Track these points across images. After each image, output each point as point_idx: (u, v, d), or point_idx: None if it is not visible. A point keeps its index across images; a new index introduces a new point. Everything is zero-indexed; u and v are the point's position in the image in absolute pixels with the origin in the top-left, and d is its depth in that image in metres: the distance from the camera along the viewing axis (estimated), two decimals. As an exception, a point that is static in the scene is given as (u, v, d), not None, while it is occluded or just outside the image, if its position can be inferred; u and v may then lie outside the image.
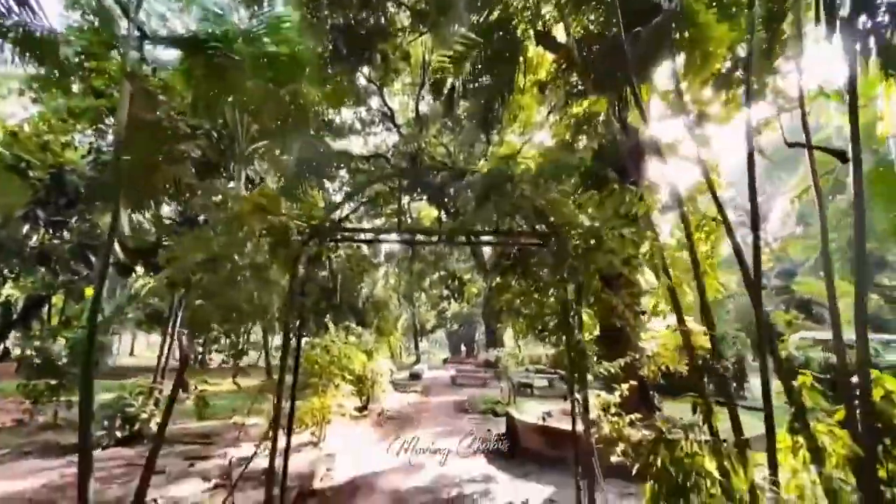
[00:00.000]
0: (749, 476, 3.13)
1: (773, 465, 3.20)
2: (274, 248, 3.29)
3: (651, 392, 6.78)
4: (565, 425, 6.02)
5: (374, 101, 19.79)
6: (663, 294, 3.29)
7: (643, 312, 3.31)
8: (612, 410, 3.52)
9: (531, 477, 5.72)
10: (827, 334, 11.98)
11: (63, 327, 14.65)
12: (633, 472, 3.17)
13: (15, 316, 19.03)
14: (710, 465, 3.25)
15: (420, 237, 5.05)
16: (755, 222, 3.36)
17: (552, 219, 3.20)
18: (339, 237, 3.46)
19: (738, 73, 7.98)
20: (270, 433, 3.28)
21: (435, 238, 4.27)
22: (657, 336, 5.97)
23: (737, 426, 3.27)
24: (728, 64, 7.68)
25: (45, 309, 20.13)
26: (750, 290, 3.38)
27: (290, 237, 3.14)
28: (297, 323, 3.38)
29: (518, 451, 6.85)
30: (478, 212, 3.39)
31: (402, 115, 20.78)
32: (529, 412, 7.85)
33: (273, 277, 3.20)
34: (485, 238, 4.08)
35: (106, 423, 6.59)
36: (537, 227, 3.41)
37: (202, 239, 2.67)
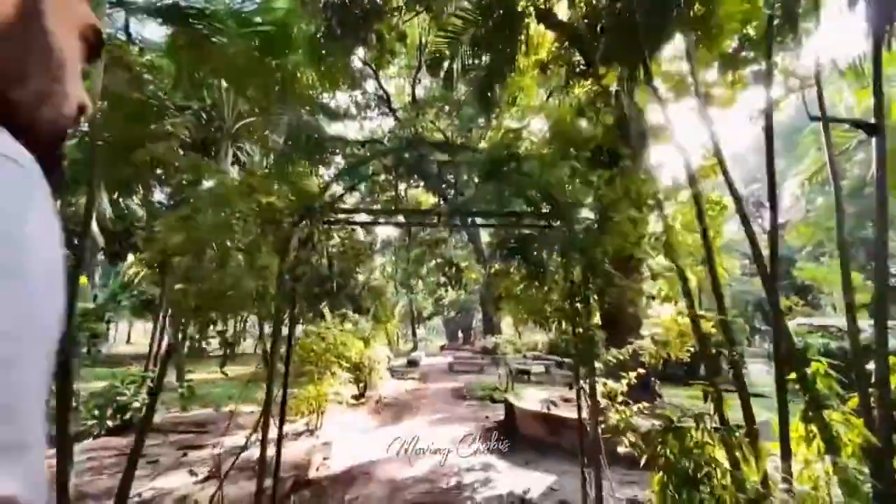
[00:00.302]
0: (762, 467, 3.01)
1: (787, 455, 3.08)
2: (263, 229, 3.09)
3: (652, 379, 6.69)
4: (565, 413, 5.93)
5: (370, 85, 19.43)
6: (672, 278, 3.12)
7: (652, 297, 3.16)
8: (620, 399, 3.39)
9: (531, 465, 5.64)
10: (825, 320, 11.92)
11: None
12: (642, 462, 3.04)
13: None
14: (721, 455, 3.14)
15: (418, 222, 4.86)
16: (773, 204, 3.19)
17: (559, 199, 3.02)
18: (332, 219, 3.27)
19: (745, 54, 7.77)
20: (261, 423, 3.13)
21: (433, 220, 4.08)
22: (660, 322, 5.84)
23: (748, 415, 3.14)
24: (734, 44, 7.47)
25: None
26: (763, 276, 3.22)
27: (279, 218, 2.95)
28: (290, 309, 3.20)
29: (517, 438, 6.77)
30: (479, 191, 3.21)
31: (398, 100, 20.41)
32: (528, 399, 7.77)
33: (262, 261, 3.01)
34: (487, 221, 3.89)
35: (97, 412, 6.45)
36: (543, 208, 3.23)
37: (183, 219, 2.48)
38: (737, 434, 3.02)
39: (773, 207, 3.21)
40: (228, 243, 2.71)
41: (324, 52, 10.88)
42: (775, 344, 3.24)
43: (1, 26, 0.38)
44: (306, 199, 2.96)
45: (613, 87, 4.51)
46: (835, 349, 9.42)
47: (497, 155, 3.03)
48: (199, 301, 2.46)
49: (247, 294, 2.72)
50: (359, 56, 16.60)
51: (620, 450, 3.15)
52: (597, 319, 3.06)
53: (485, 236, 17.43)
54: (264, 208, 2.87)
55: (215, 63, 4.11)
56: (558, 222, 3.12)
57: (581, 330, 2.95)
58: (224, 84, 4.33)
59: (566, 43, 7.99)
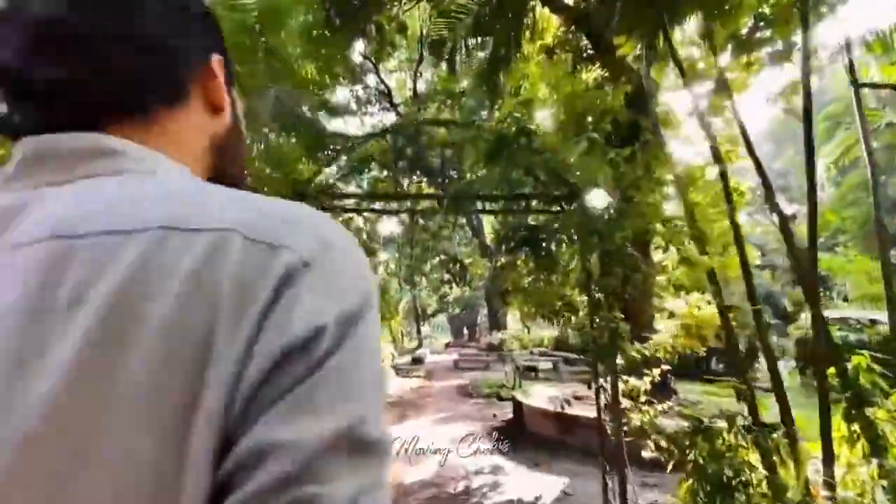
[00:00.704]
0: (802, 472, 2.73)
1: (829, 458, 2.80)
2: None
3: (668, 374, 6.41)
4: (577, 411, 5.66)
5: (371, 80, 19.12)
6: (699, 265, 2.83)
7: (682, 286, 2.88)
8: (643, 399, 3.13)
9: (542, 467, 5.37)
10: (843, 312, 11.56)
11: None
12: (669, 467, 2.78)
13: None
14: (756, 459, 2.86)
15: (420, 209, 4.58)
16: (812, 185, 2.90)
17: (575, 178, 2.74)
18: (326, 206, 3.01)
19: (760, 35, 7.43)
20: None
21: (435, 206, 3.80)
22: (688, 314, 5.56)
23: (786, 414, 2.86)
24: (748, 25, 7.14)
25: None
26: (802, 264, 2.93)
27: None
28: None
29: (526, 437, 6.51)
30: (487, 172, 2.93)
31: (399, 94, 20.10)
32: (536, 396, 7.49)
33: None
34: (493, 206, 3.60)
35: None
36: (556, 190, 2.95)
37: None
38: (774, 436, 2.75)
39: (812, 189, 2.91)
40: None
41: (322, 43, 10.63)
42: (815, 335, 2.95)
43: (234, 127, 0.52)
44: (295, 184, 2.69)
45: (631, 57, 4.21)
46: (854, 342, 9.08)
47: (505, 131, 2.75)
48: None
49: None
50: (359, 50, 16.33)
51: (645, 454, 2.88)
52: (618, 312, 2.79)
53: (488, 227, 17.11)
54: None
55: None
56: (573, 205, 2.84)
57: (601, 323, 2.68)
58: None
59: (572, 27, 7.69)
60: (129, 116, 0.42)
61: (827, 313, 12.64)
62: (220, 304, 0.30)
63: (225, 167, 0.51)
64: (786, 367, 10.70)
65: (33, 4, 0.39)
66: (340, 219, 3.29)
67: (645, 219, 2.67)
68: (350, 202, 3.77)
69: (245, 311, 0.31)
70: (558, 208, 3.12)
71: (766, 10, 7.03)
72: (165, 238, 0.31)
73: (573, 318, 4.96)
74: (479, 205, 3.48)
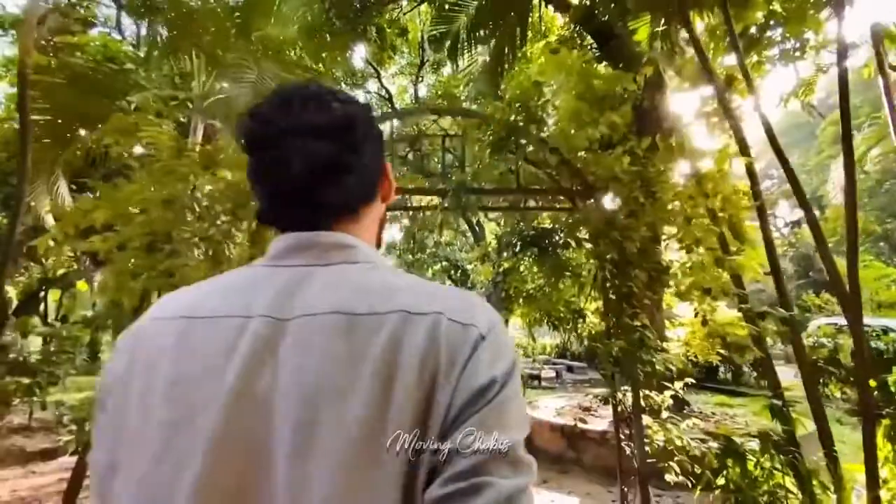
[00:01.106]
0: (845, 500, 2.45)
1: (874, 482, 2.51)
2: (235, 215, 2.58)
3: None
4: (587, 424, 5.36)
5: (372, 85, 19.03)
6: (718, 269, 2.56)
7: (708, 290, 2.61)
8: (665, 414, 2.85)
9: (551, 484, 5.05)
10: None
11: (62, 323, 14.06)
12: (696, 494, 2.49)
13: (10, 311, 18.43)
14: (791, 482, 2.57)
15: (420, 206, 4.33)
16: (851, 176, 2.64)
17: (591, 169, 2.49)
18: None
19: (770, 34, 7.22)
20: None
21: (437, 204, 3.53)
22: (689, 321, 5.27)
23: (825, 433, 2.57)
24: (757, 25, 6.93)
25: (42, 304, 19.55)
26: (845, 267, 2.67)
27: (250, 201, 2.45)
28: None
29: (532, 452, 6.18)
30: (492, 164, 2.68)
31: (400, 99, 20.01)
32: (543, 408, 7.18)
33: (233, 254, 2.50)
34: (499, 202, 3.35)
35: (74, 426, 5.94)
36: (571, 184, 2.69)
37: (115, 198, 1.93)
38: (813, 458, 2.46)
39: (852, 181, 2.64)
40: (185, 229, 2.20)
41: (322, 44, 10.47)
42: (857, 345, 2.67)
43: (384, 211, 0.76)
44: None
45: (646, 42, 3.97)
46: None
47: (513, 119, 2.49)
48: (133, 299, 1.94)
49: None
50: (360, 55, 16.26)
51: (669, 477, 2.59)
52: (643, 318, 2.51)
53: (490, 237, 16.83)
54: (231, 186, 2.37)
55: (189, 30, 3.64)
56: (590, 201, 2.58)
57: (624, 329, 2.40)
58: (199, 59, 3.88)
59: (577, 27, 7.50)
60: (347, 216, 0.63)
61: (834, 319, 12.32)
62: (440, 358, 0.49)
63: (380, 234, 0.74)
64: (797, 375, 10.31)
65: (319, 146, 0.58)
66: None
67: (668, 215, 2.41)
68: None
69: (454, 363, 0.49)
70: (570, 205, 2.86)
71: (777, 7, 6.82)
72: (406, 319, 0.51)
73: (580, 324, 4.67)
74: (483, 203, 3.26)
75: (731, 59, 6.99)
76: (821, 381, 9.85)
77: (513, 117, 2.53)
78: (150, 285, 2.18)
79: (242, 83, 3.30)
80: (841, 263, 2.87)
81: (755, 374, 12.29)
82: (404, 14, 12.48)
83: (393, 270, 0.63)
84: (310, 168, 0.57)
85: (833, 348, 9.93)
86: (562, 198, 2.93)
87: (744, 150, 2.74)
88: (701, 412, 5.73)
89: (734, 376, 12.76)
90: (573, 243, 4.09)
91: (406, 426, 0.45)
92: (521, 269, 5.71)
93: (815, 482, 2.48)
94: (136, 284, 1.95)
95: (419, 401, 0.46)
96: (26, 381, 8.05)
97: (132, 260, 1.88)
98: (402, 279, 0.58)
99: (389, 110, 19.30)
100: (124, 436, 0.50)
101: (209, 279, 0.61)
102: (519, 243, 4.51)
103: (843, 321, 11.87)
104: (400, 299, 0.52)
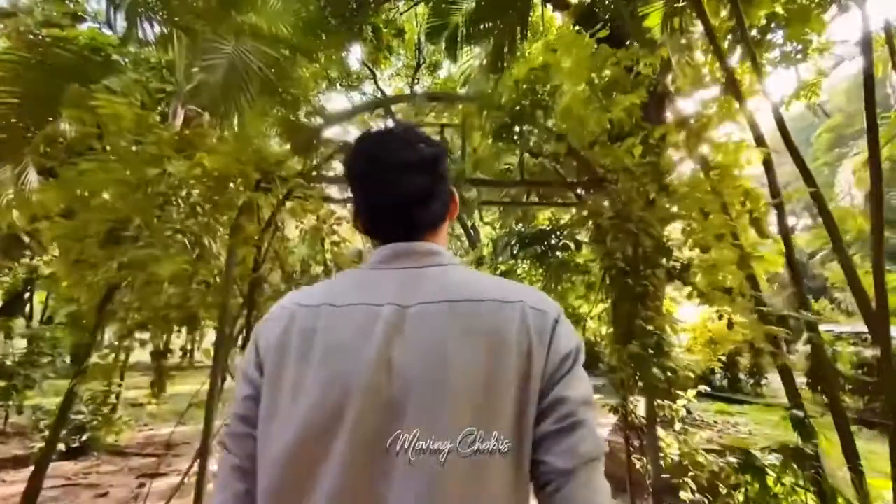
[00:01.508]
0: (874, 519, 2.26)
1: (902, 500, 2.32)
2: (213, 203, 2.36)
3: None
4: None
5: (368, 87, 18.86)
6: (760, 262, 2.38)
7: (729, 290, 2.42)
8: (678, 426, 2.66)
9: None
10: (855, 326, 11.12)
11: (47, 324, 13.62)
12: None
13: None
14: (813, 500, 2.39)
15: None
16: (878, 173, 2.47)
17: (601, 160, 2.31)
18: (304, 195, 2.55)
19: (771, 36, 7.14)
20: (199, 457, 2.39)
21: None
22: (693, 326, 5.11)
23: (849, 447, 2.38)
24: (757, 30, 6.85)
25: (28, 305, 19.06)
26: (875, 268, 2.50)
27: (231, 188, 2.25)
28: (245, 309, 2.47)
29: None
30: (493, 149, 2.49)
31: (396, 102, 19.84)
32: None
33: (208, 245, 2.28)
34: (500, 193, 3.14)
35: (48, 433, 5.63)
36: (578, 175, 2.51)
37: (70, 180, 1.71)
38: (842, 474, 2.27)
39: (879, 178, 2.48)
40: (155, 219, 1.99)
41: (318, 42, 10.28)
42: (882, 356, 2.49)
43: None
44: (265, 163, 2.24)
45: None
46: (870, 358, 8.65)
47: (515, 105, 2.31)
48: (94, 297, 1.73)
49: (182, 293, 2.00)
50: (356, 57, 16.12)
51: (683, 495, 2.40)
52: (663, 322, 2.33)
53: (483, 233, 16.62)
54: (208, 173, 2.16)
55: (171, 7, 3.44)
56: (599, 193, 2.40)
57: (634, 334, 2.21)
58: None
59: (577, 26, 7.37)
60: (431, 230, 0.81)
61: (833, 327, 12.18)
62: (531, 334, 0.67)
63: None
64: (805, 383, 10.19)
65: (414, 179, 0.78)
66: (323, 209, 2.82)
67: (689, 207, 2.23)
68: (333, 190, 3.32)
69: (542, 338, 0.68)
70: (576, 199, 2.67)
71: (779, 9, 6.73)
72: (501, 306, 0.69)
73: (583, 328, 4.47)
74: (483, 200, 3.08)
75: (730, 60, 6.92)
76: (818, 389, 9.71)
77: (519, 103, 2.36)
78: (115, 279, 1.96)
79: (219, 56, 3.12)
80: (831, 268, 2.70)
81: (752, 381, 12.19)
82: (401, 14, 12.33)
83: (470, 269, 0.82)
84: (406, 195, 0.77)
85: (832, 356, 9.82)
86: (568, 193, 2.75)
87: (760, 142, 2.57)
88: (703, 420, 5.54)
89: (730, 383, 12.65)
90: (572, 245, 3.91)
91: (512, 381, 0.64)
92: (519, 272, 5.53)
93: (840, 501, 2.29)
94: (96, 277, 1.73)
95: (520, 364, 0.65)
96: (2, 384, 7.72)
97: (85, 250, 1.66)
98: (484, 276, 0.78)
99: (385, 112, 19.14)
100: (283, 386, 0.66)
101: (326, 281, 0.83)
102: (517, 245, 4.32)
103: (840, 329, 11.78)
104: (490, 292, 0.71)
